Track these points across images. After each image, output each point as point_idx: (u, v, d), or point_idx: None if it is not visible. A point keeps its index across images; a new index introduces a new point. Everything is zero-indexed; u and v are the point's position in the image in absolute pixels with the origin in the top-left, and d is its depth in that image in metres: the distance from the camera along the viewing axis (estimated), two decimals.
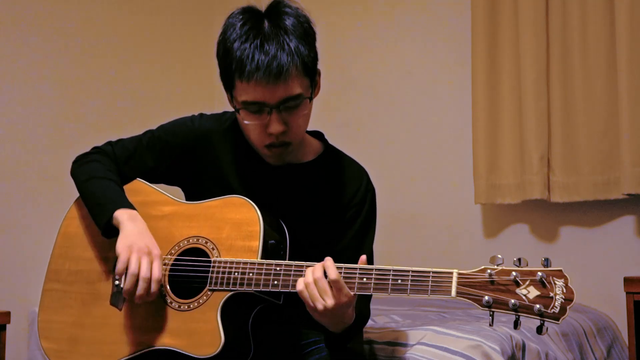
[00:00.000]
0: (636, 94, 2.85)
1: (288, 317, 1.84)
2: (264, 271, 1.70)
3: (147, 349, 1.79)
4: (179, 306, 1.78)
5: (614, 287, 2.84)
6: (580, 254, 3.08)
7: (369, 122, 3.66)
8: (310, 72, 1.81)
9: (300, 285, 1.64)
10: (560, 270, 1.51)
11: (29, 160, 3.18)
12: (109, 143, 2.03)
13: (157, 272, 1.75)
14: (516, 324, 1.52)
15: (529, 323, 1.60)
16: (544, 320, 1.49)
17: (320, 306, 1.62)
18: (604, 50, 2.97)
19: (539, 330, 1.50)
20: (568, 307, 1.48)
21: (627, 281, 2.53)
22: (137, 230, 1.80)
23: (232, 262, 1.74)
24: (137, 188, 1.96)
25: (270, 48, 1.72)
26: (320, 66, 1.87)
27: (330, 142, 2.03)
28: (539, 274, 1.50)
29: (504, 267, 1.53)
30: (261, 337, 1.80)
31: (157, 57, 3.75)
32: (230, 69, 1.77)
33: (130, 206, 1.86)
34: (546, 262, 1.52)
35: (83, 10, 3.42)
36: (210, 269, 1.76)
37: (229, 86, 1.82)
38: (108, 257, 1.91)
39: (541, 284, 1.50)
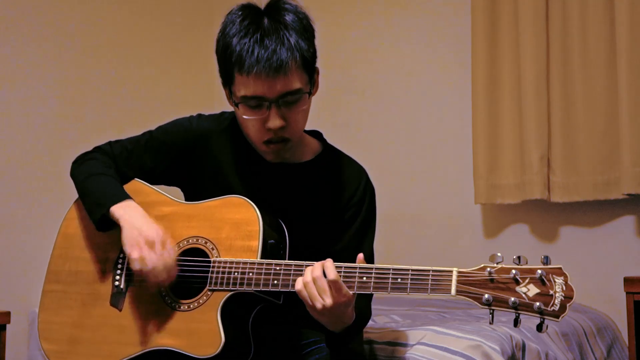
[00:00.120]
0: (636, 94, 2.85)
1: (288, 317, 1.84)
2: (263, 271, 1.70)
3: (147, 350, 1.79)
4: (179, 306, 1.78)
5: (614, 287, 2.84)
6: (580, 254, 3.08)
7: (369, 122, 3.66)
8: (310, 68, 1.81)
9: (299, 284, 1.64)
10: (560, 268, 1.51)
11: (29, 160, 3.17)
12: (108, 143, 2.04)
13: (170, 256, 1.75)
14: (516, 322, 1.52)
15: (529, 323, 1.60)
16: (544, 318, 1.49)
17: (319, 305, 1.62)
18: (604, 50, 2.97)
19: (539, 328, 1.50)
20: (568, 305, 1.48)
21: (627, 281, 2.53)
22: (137, 220, 1.80)
23: (231, 262, 1.74)
24: (137, 188, 1.96)
25: (270, 42, 1.73)
26: (319, 66, 1.88)
27: (330, 142, 2.03)
28: (539, 271, 1.50)
29: (504, 265, 1.53)
30: (261, 337, 1.80)
31: (157, 58, 3.75)
32: (230, 63, 1.77)
33: (125, 197, 1.85)
34: (546, 260, 1.52)
35: (83, 11, 3.42)
36: (210, 269, 1.76)
37: (228, 81, 1.82)
38: (108, 258, 1.91)
39: (541, 281, 1.50)
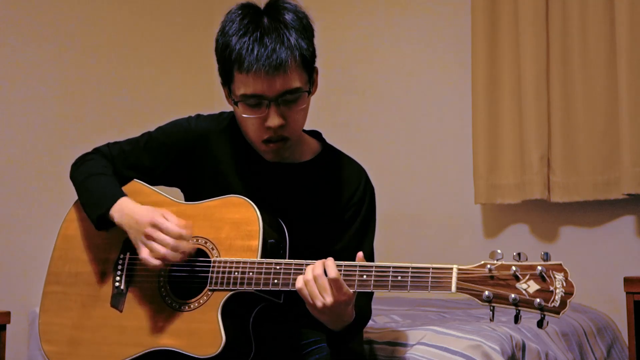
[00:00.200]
0: (636, 94, 2.85)
1: (289, 317, 1.84)
2: (263, 270, 1.70)
3: (148, 350, 1.80)
4: (180, 306, 1.78)
5: (614, 287, 2.84)
6: (580, 254, 3.08)
7: (369, 122, 3.66)
8: (309, 67, 1.82)
9: (299, 282, 1.65)
10: (560, 264, 1.51)
11: (29, 160, 3.17)
12: (107, 144, 2.04)
13: (175, 229, 1.75)
14: (517, 319, 1.52)
15: (529, 322, 1.60)
16: (544, 314, 1.49)
17: (319, 304, 1.62)
18: (604, 50, 2.97)
19: (540, 324, 1.50)
20: (568, 301, 1.48)
21: (627, 281, 2.53)
22: (134, 212, 1.80)
23: (231, 262, 1.74)
24: (136, 189, 1.96)
25: (270, 41, 1.73)
26: (319, 66, 1.88)
27: (330, 142, 2.03)
28: (539, 268, 1.50)
29: (504, 262, 1.53)
30: (262, 337, 1.80)
31: (157, 58, 3.75)
32: (229, 62, 1.77)
33: (121, 194, 1.86)
34: (546, 256, 1.52)
35: (83, 11, 3.42)
36: (210, 269, 1.76)
37: (227, 80, 1.82)
38: (108, 259, 1.91)
39: (541, 278, 1.50)
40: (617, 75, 2.89)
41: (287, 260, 1.71)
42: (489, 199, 3.18)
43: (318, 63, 1.86)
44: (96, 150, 2.03)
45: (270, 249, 1.76)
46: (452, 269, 1.56)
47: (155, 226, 1.75)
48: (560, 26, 3.07)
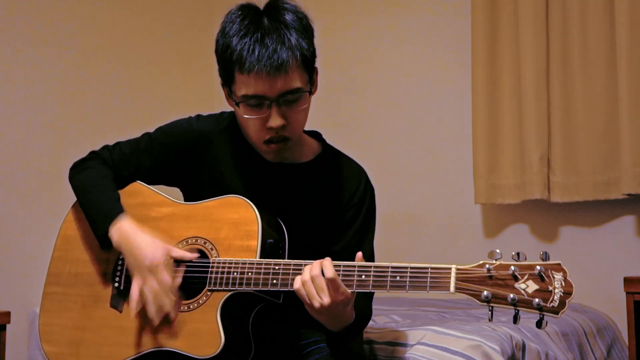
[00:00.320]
0: (636, 94, 2.85)
1: (288, 317, 1.84)
2: (262, 270, 1.70)
3: (147, 351, 1.80)
4: (179, 307, 1.78)
5: (614, 287, 2.83)
6: (580, 254, 3.08)
7: (369, 122, 3.66)
8: (310, 67, 1.82)
9: (297, 283, 1.65)
10: (559, 264, 1.51)
11: (29, 160, 3.17)
12: (106, 147, 2.03)
13: (166, 280, 1.76)
14: (515, 319, 1.51)
15: (529, 322, 1.60)
16: (543, 314, 1.49)
17: (317, 304, 1.62)
18: (604, 50, 2.97)
19: (539, 324, 1.50)
20: (567, 301, 1.47)
21: (627, 281, 2.53)
22: (133, 245, 1.80)
23: (230, 262, 1.74)
24: (136, 190, 1.97)
25: (271, 41, 1.73)
26: (319, 66, 1.88)
27: (330, 142, 2.03)
28: (538, 267, 1.50)
29: (502, 262, 1.53)
30: (261, 337, 1.80)
31: (157, 58, 3.75)
32: (230, 62, 1.77)
33: (118, 213, 1.86)
34: (545, 256, 1.51)
35: (83, 11, 3.42)
36: (209, 269, 1.75)
37: (228, 81, 1.82)
38: (108, 259, 1.91)
39: (540, 277, 1.49)
40: (617, 75, 2.88)
41: (286, 261, 1.71)
42: (489, 199, 3.18)
43: (318, 63, 1.86)
44: (96, 155, 2.02)
45: (269, 249, 1.76)
46: (450, 269, 1.56)
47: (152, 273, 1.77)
48: (560, 26, 3.06)
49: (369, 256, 1.90)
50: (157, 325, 1.77)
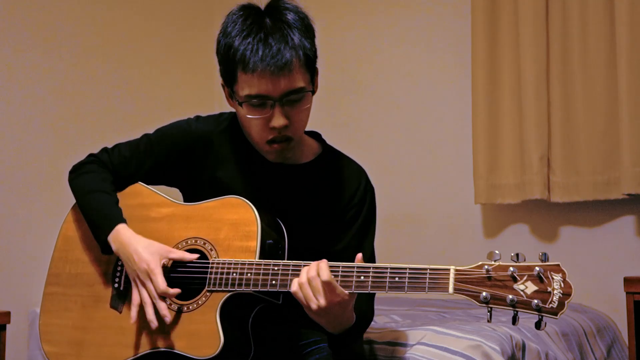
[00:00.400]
0: (636, 94, 2.85)
1: (288, 317, 1.84)
2: (262, 271, 1.70)
3: (147, 351, 1.80)
4: (178, 307, 1.78)
5: (614, 287, 2.83)
6: (580, 254, 3.07)
7: (369, 122, 3.66)
8: (312, 67, 1.82)
9: (294, 286, 1.65)
10: (558, 265, 1.50)
11: (29, 160, 3.17)
12: (105, 150, 2.03)
13: (160, 286, 1.77)
14: (514, 320, 1.51)
15: (529, 322, 1.59)
16: (542, 316, 1.48)
17: (314, 306, 1.62)
18: (604, 50, 2.97)
19: (538, 325, 1.50)
20: (566, 302, 1.47)
21: (627, 281, 2.52)
22: (130, 250, 1.81)
23: (230, 263, 1.74)
24: (135, 190, 1.97)
25: (275, 41, 1.73)
26: (320, 66, 1.88)
27: (330, 142, 2.03)
28: (537, 269, 1.50)
29: (501, 263, 1.53)
30: (261, 337, 1.80)
31: (157, 58, 3.75)
32: (233, 62, 1.77)
33: (117, 221, 1.86)
34: (544, 257, 1.51)
35: (83, 11, 3.42)
36: (209, 269, 1.76)
37: (230, 81, 1.82)
38: (108, 260, 1.92)
39: (539, 279, 1.49)
40: (617, 75, 2.88)
41: (285, 262, 1.71)
42: (489, 199, 3.18)
43: (318, 63, 1.87)
44: (95, 158, 2.02)
45: (268, 250, 1.76)
46: (449, 270, 1.56)
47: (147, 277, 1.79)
48: (560, 26, 3.06)
49: (370, 256, 1.90)
50: (157, 326, 1.77)
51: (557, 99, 3.05)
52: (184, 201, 1.98)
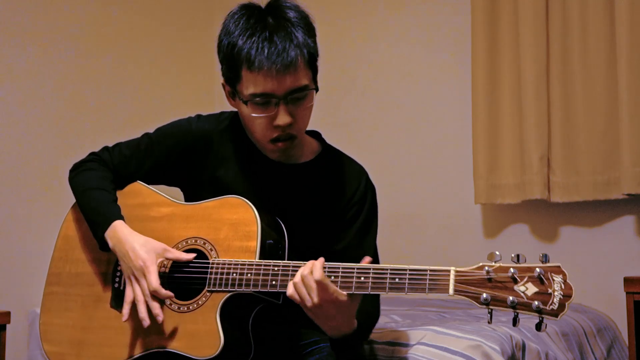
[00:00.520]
0: (636, 94, 2.85)
1: (288, 317, 1.84)
2: (262, 272, 1.70)
3: (147, 351, 1.80)
4: (178, 308, 1.78)
5: (614, 287, 2.83)
6: (580, 254, 3.07)
7: (369, 122, 3.66)
8: (314, 65, 1.83)
9: (290, 288, 1.64)
10: (559, 266, 1.50)
11: (29, 160, 3.18)
12: (106, 148, 2.03)
13: (153, 284, 1.76)
14: (515, 321, 1.51)
15: (529, 323, 1.59)
16: (542, 317, 1.48)
17: (308, 304, 1.62)
18: (604, 50, 2.97)
19: (538, 327, 1.49)
20: (567, 304, 1.47)
21: (627, 281, 2.53)
22: (126, 247, 1.81)
23: (230, 263, 1.74)
24: (135, 190, 1.97)
25: (280, 40, 1.74)
26: (320, 66, 1.88)
27: (330, 142, 2.03)
28: (537, 270, 1.49)
29: (502, 264, 1.52)
30: (261, 338, 1.80)
31: (157, 58, 3.75)
32: (238, 61, 1.77)
33: (114, 218, 1.86)
34: (544, 258, 1.51)
35: (83, 11, 3.42)
36: (209, 270, 1.75)
37: (234, 80, 1.81)
38: (109, 260, 1.92)
39: (539, 280, 1.49)
40: (617, 75, 2.88)
41: (285, 262, 1.71)
42: (489, 199, 3.18)
43: (318, 63, 1.87)
44: (95, 156, 2.02)
45: (268, 250, 1.76)
46: (449, 271, 1.55)
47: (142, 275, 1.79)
48: (560, 26, 3.06)
49: (373, 255, 1.90)
50: (157, 326, 1.77)
51: (557, 99, 3.05)
52: (185, 200, 1.98)
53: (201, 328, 1.72)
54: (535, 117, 3.04)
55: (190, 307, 1.76)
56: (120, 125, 3.46)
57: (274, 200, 1.88)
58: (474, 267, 1.54)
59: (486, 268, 1.53)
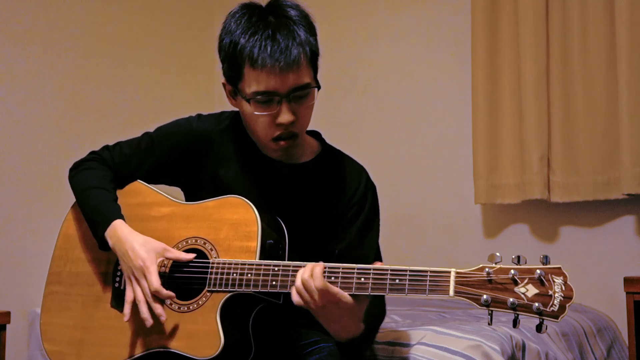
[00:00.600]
0: (636, 94, 2.85)
1: (288, 317, 1.84)
2: (262, 272, 1.70)
3: (147, 351, 1.80)
4: (179, 307, 1.78)
5: (614, 287, 2.84)
6: (580, 254, 3.08)
7: (369, 122, 3.66)
8: (315, 64, 1.83)
9: (295, 296, 1.64)
10: (559, 268, 1.50)
11: (29, 160, 3.18)
12: (106, 147, 2.03)
13: (154, 284, 1.76)
14: (515, 323, 1.51)
15: (529, 323, 1.59)
16: (543, 319, 1.48)
17: (312, 306, 1.63)
18: (604, 50, 2.97)
19: (539, 328, 1.49)
20: (567, 305, 1.47)
21: (627, 281, 2.53)
22: (126, 246, 1.81)
23: (230, 263, 1.74)
24: (136, 189, 1.97)
25: (282, 38, 1.74)
26: (320, 65, 1.88)
27: (330, 142, 2.03)
28: (538, 271, 1.49)
29: (502, 266, 1.52)
30: (261, 338, 1.80)
31: (157, 58, 3.75)
32: (240, 60, 1.77)
33: (117, 217, 1.86)
34: (545, 260, 1.51)
35: (83, 11, 3.42)
36: (209, 270, 1.75)
37: (236, 79, 1.81)
38: (109, 259, 1.91)
39: (540, 282, 1.49)
40: (617, 75, 2.88)
41: (285, 262, 1.71)
42: (489, 199, 3.18)
43: (319, 62, 1.87)
44: (96, 155, 2.02)
45: (269, 250, 1.76)
46: (450, 272, 1.55)
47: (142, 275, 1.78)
48: (560, 26, 3.06)
49: (375, 254, 1.90)
50: (157, 326, 1.77)
51: (557, 99, 3.05)
52: (186, 200, 1.98)
53: (201, 328, 1.72)
54: (535, 117, 3.04)
55: (191, 307, 1.76)
56: (120, 125, 3.46)
57: (274, 200, 1.88)
58: (475, 268, 1.54)
59: (487, 269, 1.53)
